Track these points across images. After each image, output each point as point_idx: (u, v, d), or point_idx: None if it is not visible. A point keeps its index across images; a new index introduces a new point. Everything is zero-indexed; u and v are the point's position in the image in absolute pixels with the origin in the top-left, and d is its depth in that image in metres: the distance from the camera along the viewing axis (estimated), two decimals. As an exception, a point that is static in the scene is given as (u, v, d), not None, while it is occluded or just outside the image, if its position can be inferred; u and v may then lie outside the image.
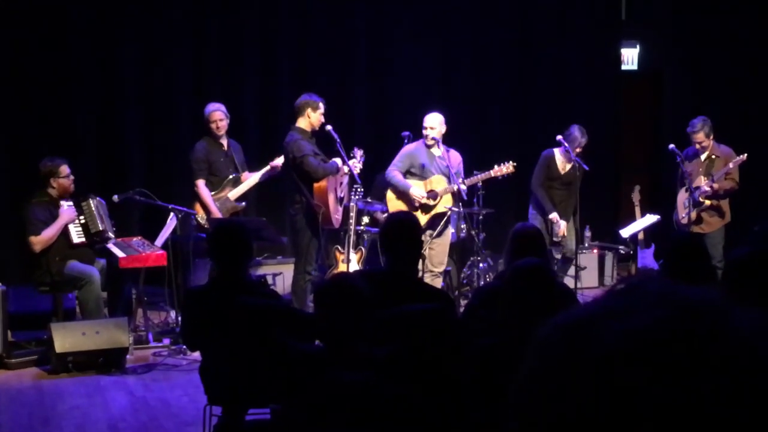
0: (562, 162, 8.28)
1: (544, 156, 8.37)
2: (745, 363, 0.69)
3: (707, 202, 8.22)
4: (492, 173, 7.93)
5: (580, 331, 0.73)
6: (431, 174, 7.84)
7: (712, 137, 8.22)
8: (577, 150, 8.11)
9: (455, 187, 7.67)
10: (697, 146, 8.23)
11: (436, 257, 7.85)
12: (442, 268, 7.91)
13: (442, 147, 7.89)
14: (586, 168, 8.06)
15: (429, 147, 7.89)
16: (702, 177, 8.26)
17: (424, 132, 7.90)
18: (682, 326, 0.70)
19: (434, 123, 7.89)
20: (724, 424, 0.67)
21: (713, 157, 8.26)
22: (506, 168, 7.90)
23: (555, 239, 8.34)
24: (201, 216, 7.71)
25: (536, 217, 8.39)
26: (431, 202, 7.81)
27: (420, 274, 7.36)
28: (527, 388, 0.75)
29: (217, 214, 7.71)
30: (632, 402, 0.68)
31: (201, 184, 7.80)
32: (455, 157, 7.89)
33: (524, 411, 0.75)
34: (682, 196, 8.37)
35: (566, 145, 8.03)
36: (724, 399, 0.67)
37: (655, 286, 0.75)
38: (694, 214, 8.22)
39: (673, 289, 0.75)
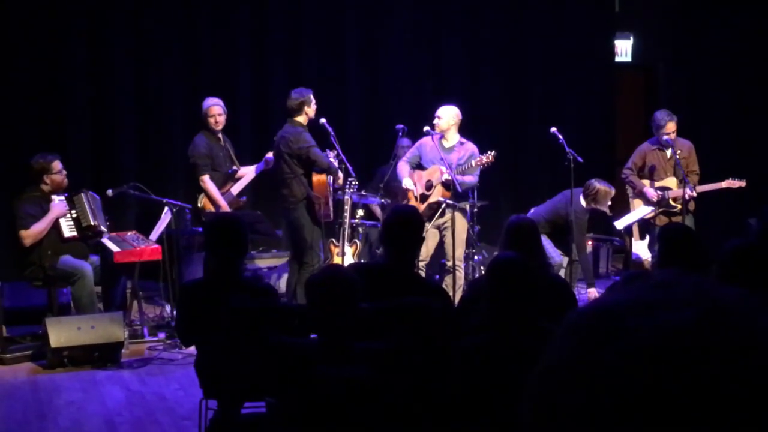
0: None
1: (586, 211, 8.15)
2: None
3: (678, 206, 8.21)
4: (473, 163, 7.81)
5: (609, 322, 0.73)
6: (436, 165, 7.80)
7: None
8: (605, 205, 8.13)
9: (445, 177, 7.63)
10: (671, 136, 8.19)
11: (447, 248, 7.78)
12: (452, 262, 7.74)
13: (457, 139, 7.87)
14: (580, 159, 8.05)
15: (441, 138, 7.86)
16: (674, 178, 8.25)
17: (434, 122, 7.89)
18: (712, 327, 0.70)
19: (442, 113, 7.85)
20: (748, 427, 0.67)
21: (678, 152, 8.23)
22: (486, 158, 7.72)
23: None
24: (210, 211, 7.68)
25: (555, 253, 8.18)
26: (426, 193, 7.79)
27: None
28: (550, 376, 0.75)
29: (226, 208, 7.70)
30: (657, 398, 0.68)
31: (207, 179, 7.75)
32: (466, 150, 7.82)
33: (544, 400, 0.75)
34: (649, 192, 8.37)
35: (593, 204, 8.07)
36: (749, 404, 0.67)
37: (687, 283, 0.75)
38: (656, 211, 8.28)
39: (707, 288, 0.74)
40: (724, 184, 8.24)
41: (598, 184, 8.11)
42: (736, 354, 0.69)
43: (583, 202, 8.15)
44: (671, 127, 8.20)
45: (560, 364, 0.74)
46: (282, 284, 8.19)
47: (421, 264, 7.77)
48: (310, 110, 7.65)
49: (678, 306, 0.72)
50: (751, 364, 0.68)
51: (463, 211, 7.83)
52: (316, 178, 7.54)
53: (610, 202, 8.21)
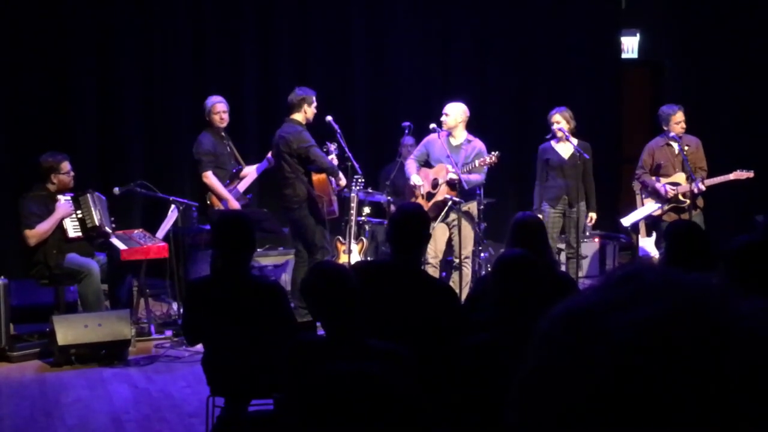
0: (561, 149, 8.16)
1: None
2: (748, 352, 0.69)
3: (687, 201, 8.15)
4: (477, 164, 7.75)
5: (585, 323, 0.73)
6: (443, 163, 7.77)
7: None
8: (565, 128, 8.02)
9: (450, 176, 7.61)
10: (681, 126, 8.11)
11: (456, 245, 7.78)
12: (458, 259, 7.74)
13: (464, 136, 7.84)
14: (587, 157, 8.02)
15: (449, 136, 7.84)
16: (683, 174, 8.18)
17: (441, 119, 7.87)
18: (687, 317, 0.70)
19: (450, 110, 7.82)
20: (732, 413, 0.67)
21: (686, 147, 8.17)
22: (490, 159, 7.66)
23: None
24: (217, 207, 7.67)
25: (545, 206, 8.23)
26: (432, 191, 7.78)
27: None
28: (532, 381, 0.75)
29: (234, 203, 7.68)
30: (641, 393, 0.68)
31: (211, 175, 7.70)
32: (473, 147, 7.79)
33: (529, 405, 0.75)
34: (662, 189, 8.31)
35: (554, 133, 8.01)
36: (730, 389, 0.67)
37: (654, 275, 0.75)
38: (664, 208, 8.21)
39: (674, 278, 0.75)
40: (732, 176, 8.17)
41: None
42: (715, 341, 0.69)
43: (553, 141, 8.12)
44: (679, 117, 8.10)
45: (543, 367, 0.74)
46: (288, 281, 8.19)
47: (434, 261, 7.76)
48: (310, 110, 7.62)
49: (651, 299, 0.72)
50: (731, 350, 0.69)
51: (469, 210, 7.82)
52: (316, 176, 7.54)
53: (562, 125, 8.03)
